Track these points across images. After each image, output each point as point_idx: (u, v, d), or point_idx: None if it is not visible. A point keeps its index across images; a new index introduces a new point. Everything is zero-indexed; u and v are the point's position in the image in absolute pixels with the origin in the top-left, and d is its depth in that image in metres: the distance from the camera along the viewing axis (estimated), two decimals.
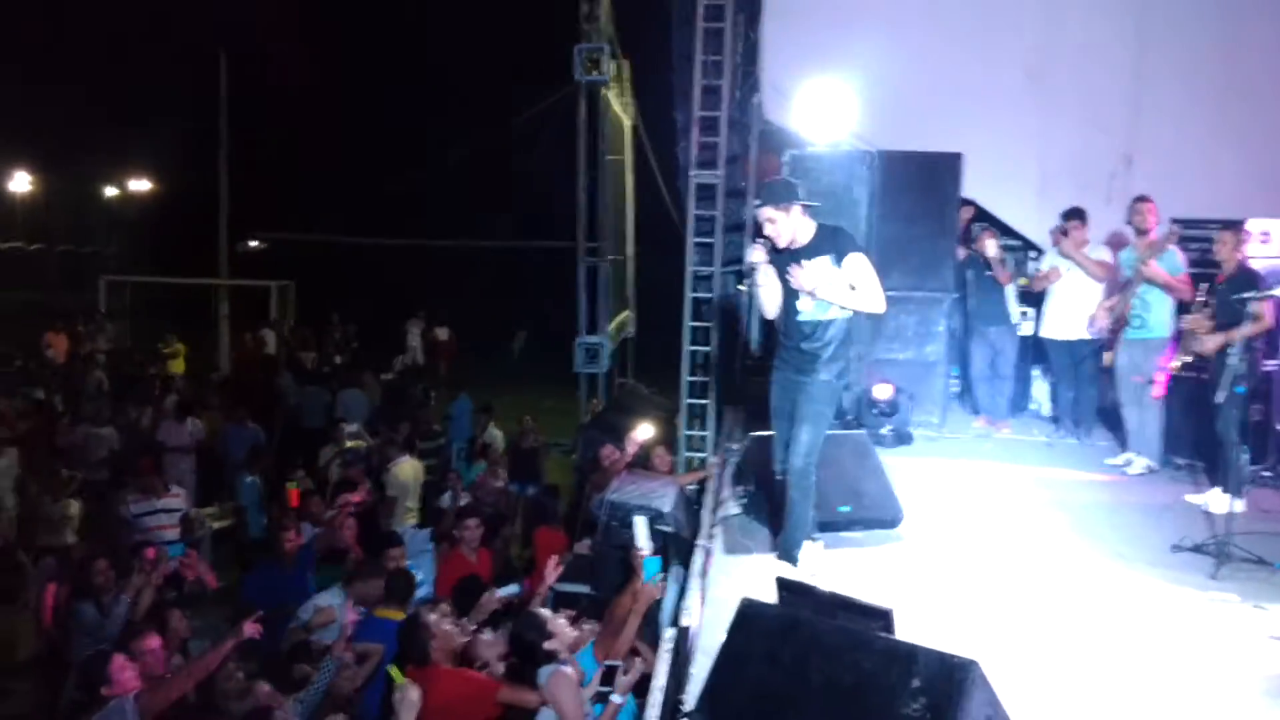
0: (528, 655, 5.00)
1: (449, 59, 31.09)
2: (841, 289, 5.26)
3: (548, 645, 4.80)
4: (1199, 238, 7.94)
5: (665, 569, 6.08)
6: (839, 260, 5.24)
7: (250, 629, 5.42)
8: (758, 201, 5.48)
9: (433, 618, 5.25)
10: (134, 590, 6.77)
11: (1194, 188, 8.93)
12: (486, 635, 5.68)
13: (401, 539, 7.65)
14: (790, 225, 5.31)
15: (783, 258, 5.38)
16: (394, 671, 5.22)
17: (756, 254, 5.45)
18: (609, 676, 5.07)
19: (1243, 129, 9.36)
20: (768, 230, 5.36)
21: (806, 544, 5.41)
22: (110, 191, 39.68)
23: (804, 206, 5.31)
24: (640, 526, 6.08)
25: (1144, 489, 7.49)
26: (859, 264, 5.26)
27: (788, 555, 5.39)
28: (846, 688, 3.34)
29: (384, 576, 6.87)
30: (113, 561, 7.10)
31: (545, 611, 5.21)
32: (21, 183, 36.65)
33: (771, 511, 6.07)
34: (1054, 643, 4.70)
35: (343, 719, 5.18)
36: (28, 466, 10.90)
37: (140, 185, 37.29)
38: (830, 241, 5.31)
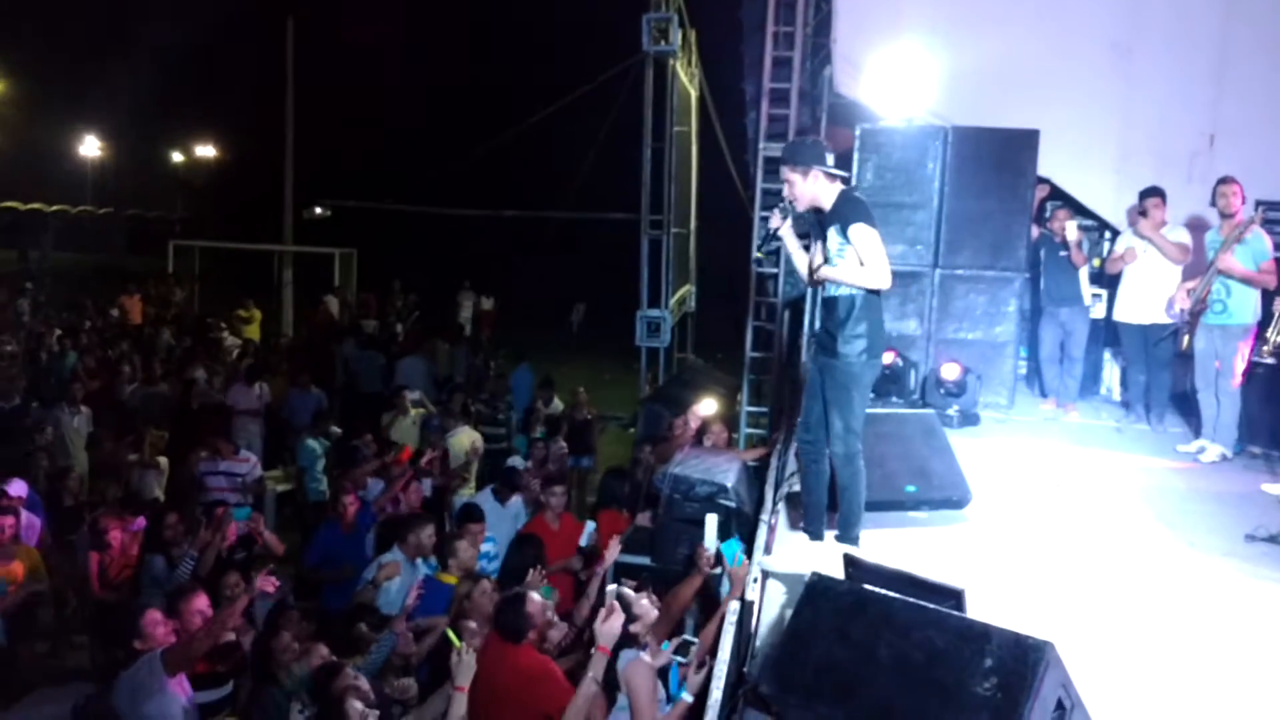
0: None
1: (518, 27, 31.13)
2: (843, 265, 5.03)
3: (632, 627, 4.78)
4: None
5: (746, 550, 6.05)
6: (843, 230, 5.02)
7: (265, 583, 5.49)
8: (781, 158, 5.29)
9: (538, 607, 5.22)
10: (200, 545, 6.90)
11: (1279, 168, 8.67)
12: (561, 625, 5.70)
13: (482, 514, 7.69)
14: (809, 189, 5.09)
15: (801, 223, 5.24)
16: (451, 634, 5.25)
17: (775, 219, 5.26)
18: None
19: None
20: (785, 191, 5.20)
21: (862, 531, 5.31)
22: (177, 157, 40.35)
23: (827, 173, 5.09)
24: (710, 524, 6.06)
25: (1217, 477, 7.31)
26: (861, 236, 4.97)
27: (847, 537, 5.30)
28: (917, 664, 3.31)
29: (431, 525, 7.00)
30: (182, 516, 7.24)
31: (630, 591, 5.16)
32: (91, 148, 37.37)
33: (834, 488, 6.03)
34: (1122, 629, 4.63)
35: (410, 682, 5.23)
36: (100, 424, 11.16)
37: (206, 151, 37.86)
38: (840, 210, 5.07)
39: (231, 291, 20.73)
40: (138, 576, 7.38)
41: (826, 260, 5.12)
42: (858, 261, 4.99)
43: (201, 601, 5.73)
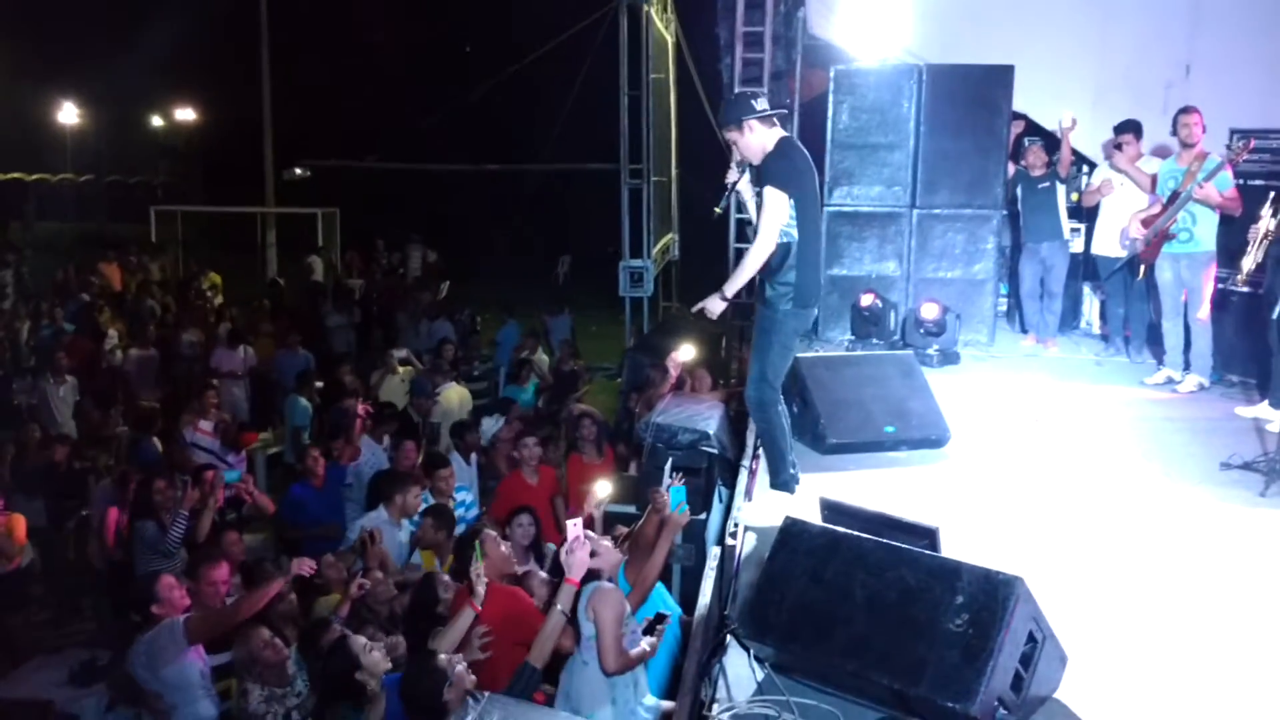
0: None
1: None
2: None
3: (592, 564, 4.86)
4: (1262, 149, 7.69)
5: (696, 499, 6.13)
6: (761, 188, 5.01)
7: (303, 567, 5.53)
8: (719, 124, 5.27)
9: (489, 538, 5.32)
10: (189, 503, 6.95)
11: (1253, 98, 8.66)
12: (540, 574, 5.77)
13: (448, 460, 7.76)
14: (754, 141, 5.04)
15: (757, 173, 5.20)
16: (424, 555, 5.30)
17: (732, 174, 5.24)
18: None
19: None
20: (734, 156, 5.16)
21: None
22: (157, 122, 39.86)
23: (761, 119, 5.03)
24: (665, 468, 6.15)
25: (1194, 406, 7.39)
26: (766, 198, 4.96)
27: (778, 485, 5.34)
28: (890, 603, 3.38)
29: (419, 484, 7.03)
30: (170, 481, 7.29)
31: (590, 532, 5.25)
32: (70, 115, 36.90)
33: (816, 433, 6.10)
34: (1099, 560, 4.70)
35: (399, 640, 5.29)
36: (85, 393, 11.18)
37: (185, 114, 37.40)
38: (767, 164, 5.02)
39: (215, 256, 20.63)
40: (131, 541, 7.44)
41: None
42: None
43: (222, 571, 5.81)
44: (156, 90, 36.84)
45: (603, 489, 6.21)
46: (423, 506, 6.92)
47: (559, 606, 4.63)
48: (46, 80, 34.78)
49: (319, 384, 11.56)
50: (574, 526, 4.77)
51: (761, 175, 5.04)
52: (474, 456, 8.75)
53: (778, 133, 5.10)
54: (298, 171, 25.31)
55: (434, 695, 4.11)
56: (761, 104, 5.06)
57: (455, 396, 10.74)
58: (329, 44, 31.75)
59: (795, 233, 5.04)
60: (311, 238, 22.92)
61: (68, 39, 31.52)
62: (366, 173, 26.91)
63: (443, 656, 4.33)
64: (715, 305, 5.26)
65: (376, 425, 9.06)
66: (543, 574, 5.81)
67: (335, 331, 14.66)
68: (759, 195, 5.07)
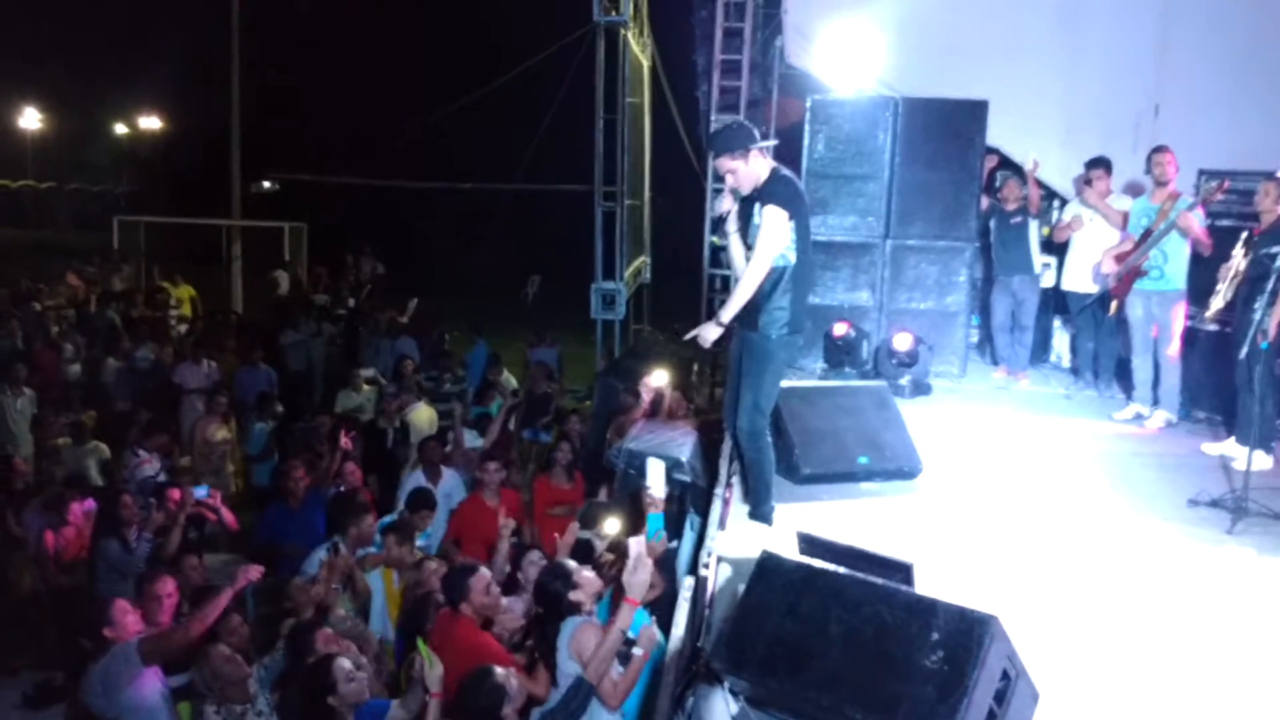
0: (552, 605, 4.96)
1: None
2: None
3: (573, 596, 4.79)
4: (1231, 189, 7.78)
5: (668, 527, 6.07)
6: (762, 207, 5.03)
7: (250, 572, 5.42)
8: (712, 152, 5.33)
9: (483, 581, 5.21)
10: (154, 527, 6.82)
11: (1220, 137, 8.78)
12: (517, 609, 5.67)
13: (435, 500, 7.66)
14: (751, 171, 5.09)
15: (746, 205, 5.23)
16: (422, 646, 5.23)
17: (726, 202, 5.25)
18: None
19: (1270, 78, 9.17)
20: (729, 181, 5.18)
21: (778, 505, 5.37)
22: (121, 130, 39.50)
23: (761, 149, 5.09)
24: (655, 470, 6.05)
25: (1162, 442, 7.45)
26: (766, 216, 4.99)
27: (758, 516, 5.33)
28: (866, 639, 3.37)
29: (371, 513, 6.91)
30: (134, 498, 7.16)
31: (571, 562, 5.18)
32: (31, 120, 36.48)
33: (790, 463, 6.08)
34: (1070, 596, 4.71)
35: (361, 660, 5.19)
36: (44, 405, 10.96)
37: (151, 123, 37.08)
38: (766, 188, 5.07)
39: (179, 268, 20.34)
40: (93, 560, 7.28)
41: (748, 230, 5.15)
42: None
43: (168, 586, 5.68)
44: (122, 98, 36.53)
45: (611, 526, 6.12)
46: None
47: (618, 626, 4.56)
48: (8, 84, 34.39)
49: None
50: (635, 544, 4.70)
51: (762, 197, 5.05)
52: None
53: (771, 163, 5.14)
54: (265, 185, 25.08)
55: (492, 712, 4.10)
56: (758, 134, 5.12)
57: (424, 417, 10.64)
58: (302, 57, 31.61)
59: (793, 256, 5.07)
60: (278, 252, 22.70)
61: (31, 43, 31.16)
62: (337, 188, 26.73)
63: (499, 671, 4.27)
64: (710, 332, 5.21)
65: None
66: (519, 608, 5.69)
67: (291, 349, 14.46)
68: (758, 216, 5.06)
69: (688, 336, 5.39)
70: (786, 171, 5.17)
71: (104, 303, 15.92)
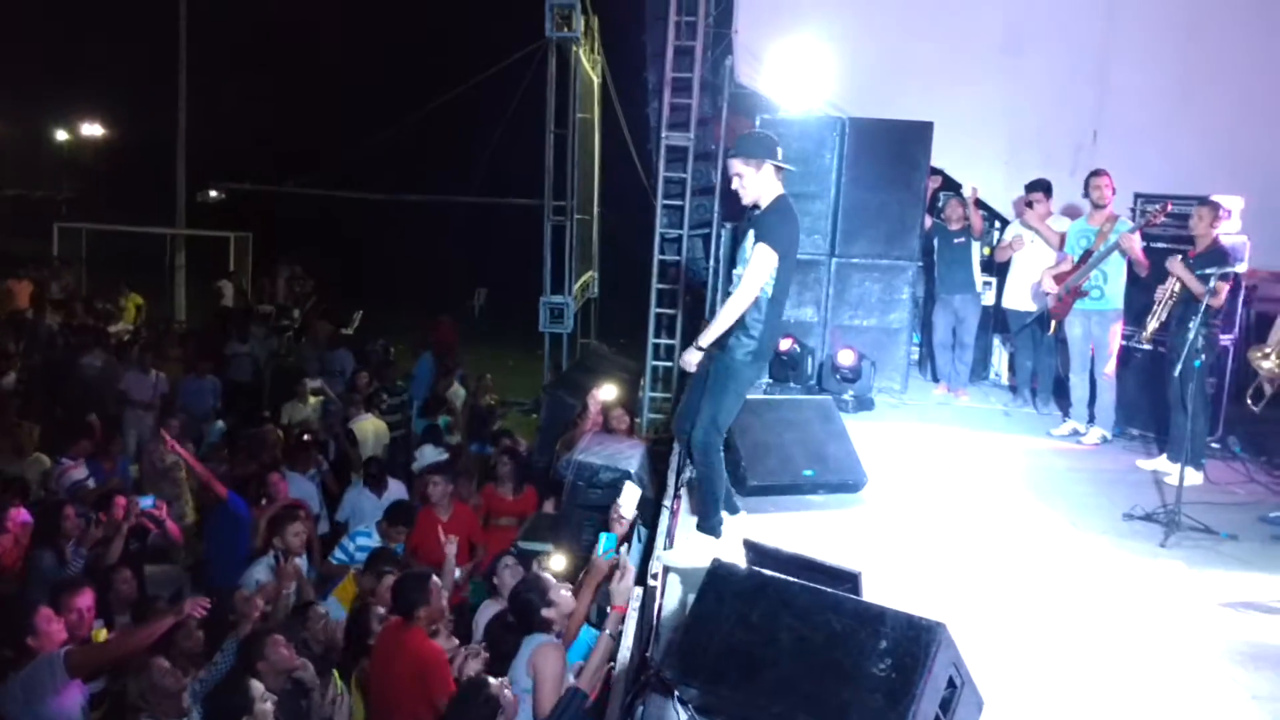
0: (523, 615, 4.99)
1: (419, 10, 30.64)
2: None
3: (546, 613, 4.82)
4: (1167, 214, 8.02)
5: (620, 544, 6.10)
6: (756, 242, 5.08)
7: (195, 608, 5.33)
8: (732, 150, 5.30)
9: (437, 587, 5.19)
10: (92, 541, 6.71)
11: (1156, 163, 9.07)
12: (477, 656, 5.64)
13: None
14: (758, 183, 5.12)
15: (745, 221, 5.31)
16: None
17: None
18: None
19: (1204, 108, 9.51)
20: (734, 184, 5.21)
21: (726, 516, 5.44)
22: (62, 135, 38.79)
23: (777, 166, 5.14)
24: (630, 493, 6.10)
25: (1097, 458, 7.66)
26: (757, 254, 5.06)
27: (706, 528, 5.38)
28: (816, 647, 3.42)
29: (297, 522, 6.81)
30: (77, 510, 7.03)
31: (550, 577, 5.18)
32: None
33: (738, 475, 6.15)
34: (1010, 607, 4.84)
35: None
36: None
37: (93, 129, 36.46)
38: (766, 220, 5.12)
39: (120, 276, 20.01)
40: (26, 571, 7.13)
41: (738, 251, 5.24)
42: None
43: (86, 599, 5.55)
44: (63, 102, 35.89)
45: (557, 563, 6.12)
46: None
47: (608, 631, 4.65)
48: None
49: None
50: (621, 554, 4.78)
51: (759, 228, 5.10)
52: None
53: (778, 189, 5.17)
54: (212, 194, 24.76)
55: None
56: (780, 153, 5.15)
57: (371, 428, 10.59)
58: (251, 65, 31.29)
59: (771, 290, 5.13)
60: (222, 262, 22.41)
61: None
62: (284, 197, 26.46)
63: (494, 682, 4.27)
64: (692, 356, 5.31)
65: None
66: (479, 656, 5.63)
67: (235, 360, 14.30)
68: (750, 249, 5.11)
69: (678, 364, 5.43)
70: (789, 202, 5.21)
71: (42, 310, 15.65)
